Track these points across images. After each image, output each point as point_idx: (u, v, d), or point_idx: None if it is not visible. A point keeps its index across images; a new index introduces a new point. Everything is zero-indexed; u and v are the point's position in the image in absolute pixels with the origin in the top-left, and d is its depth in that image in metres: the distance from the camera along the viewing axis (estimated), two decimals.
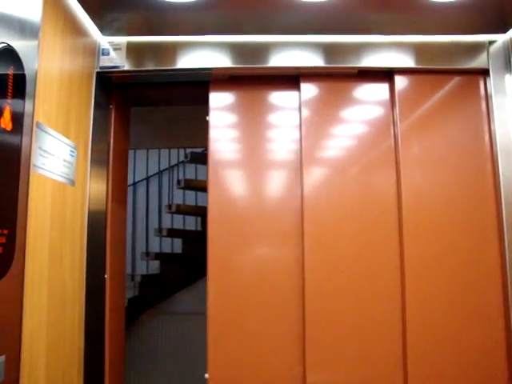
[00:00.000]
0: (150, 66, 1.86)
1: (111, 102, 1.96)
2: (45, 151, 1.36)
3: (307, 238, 1.83)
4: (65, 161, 1.51)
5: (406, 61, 1.88)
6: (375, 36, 1.87)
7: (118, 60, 1.82)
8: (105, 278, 1.84)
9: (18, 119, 1.12)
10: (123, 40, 1.84)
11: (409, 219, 1.81)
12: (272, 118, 1.96)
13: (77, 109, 1.62)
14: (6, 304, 1.06)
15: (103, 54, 1.82)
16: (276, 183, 1.96)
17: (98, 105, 1.81)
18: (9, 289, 1.07)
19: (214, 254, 1.84)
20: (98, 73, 1.81)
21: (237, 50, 1.86)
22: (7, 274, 1.06)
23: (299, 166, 1.88)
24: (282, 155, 1.94)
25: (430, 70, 1.90)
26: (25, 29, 1.17)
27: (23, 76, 1.15)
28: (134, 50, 1.85)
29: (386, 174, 1.86)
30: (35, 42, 1.23)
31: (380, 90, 1.93)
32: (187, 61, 1.85)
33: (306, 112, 1.92)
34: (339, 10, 1.68)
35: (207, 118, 1.94)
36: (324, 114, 1.92)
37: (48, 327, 1.35)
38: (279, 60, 1.86)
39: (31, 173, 1.23)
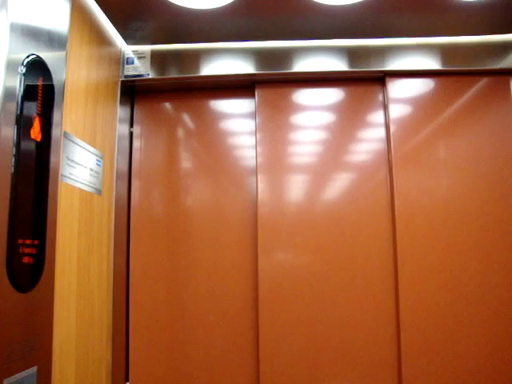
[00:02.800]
0: (173, 74, 1.86)
1: (136, 110, 1.97)
2: (72, 161, 1.36)
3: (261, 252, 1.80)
4: (91, 170, 1.51)
5: (430, 63, 1.84)
6: (400, 39, 1.85)
7: (142, 68, 1.83)
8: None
9: (46, 130, 1.12)
10: (147, 48, 1.85)
11: (403, 228, 1.77)
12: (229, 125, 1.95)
13: (103, 118, 1.63)
14: (37, 314, 1.06)
15: (128, 63, 1.83)
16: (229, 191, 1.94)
17: (123, 113, 1.82)
18: (40, 299, 1.07)
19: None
20: (122, 81, 1.82)
21: (261, 56, 1.86)
22: (38, 285, 1.06)
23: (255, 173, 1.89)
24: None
25: (457, 72, 1.87)
26: (53, 40, 1.18)
27: (52, 87, 1.15)
28: (157, 58, 1.85)
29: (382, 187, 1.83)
30: (63, 53, 1.23)
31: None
32: (211, 68, 1.85)
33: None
34: (364, 13, 1.66)
35: (131, 129, 1.94)
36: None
37: (77, 339, 1.35)
38: (304, 65, 1.85)
39: (59, 182, 1.24)
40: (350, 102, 1.93)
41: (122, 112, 1.81)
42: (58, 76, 1.18)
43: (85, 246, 1.44)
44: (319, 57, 1.86)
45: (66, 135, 1.31)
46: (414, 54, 1.85)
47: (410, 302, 1.72)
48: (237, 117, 1.98)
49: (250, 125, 1.94)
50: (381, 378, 1.73)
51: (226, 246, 1.86)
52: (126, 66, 1.83)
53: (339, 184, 1.87)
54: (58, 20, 1.23)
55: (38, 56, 1.09)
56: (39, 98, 1.09)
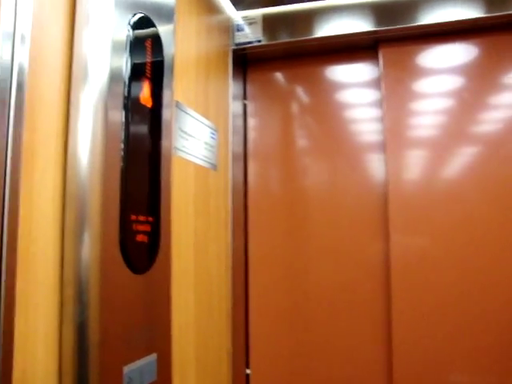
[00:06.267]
0: (286, 38, 1.70)
1: (248, 81, 1.85)
2: (185, 132, 1.27)
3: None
4: (206, 143, 1.42)
5: None
6: None
7: (253, 35, 1.70)
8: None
9: (157, 96, 1.03)
10: (258, 13, 1.71)
11: None
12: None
13: (215, 89, 1.53)
14: (155, 298, 0.98)
15: (238, 30, 1.71)
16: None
17: (235, 84, 1.71)
18: (157, 282, 0.98)
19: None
20: (233, 50, 1.70)
21: (382, 10, 1.64)
22: (154, 265, 0.97)
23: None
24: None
25: None
26: (161, 10, 1.08)
27: (161, 52, 1.06)
28: (269, 23, 1.71)
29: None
30: (171, 23, 1.12)
31: None
32: (327, 28, 1.67)
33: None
34: None
35: (244, 101, 1.79)
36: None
37: (196, 324, 1.27)
38: (434, 16, 1.59)
39: (172, 155, 1.15)
40: (492, 58, 1.63)
41: (234, 83, 1.70)
42: (167, 46, 1.08)
43: (202, 225, 1.35)
44: (450, 4, 1.59)
45: (177, 105, 1.22)
46: None
47: None
48: (358, 84, 1.77)
49: (373, 92, 1.73)
50: None
51: (349, 227, 1.68)
52: (236, 34, 1.71)
53: (482, 159, 1.59)
54: None
55: (145, 15, 1.00)
56: (148, 64, 0.99)
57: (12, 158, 0.73)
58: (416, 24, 1.61)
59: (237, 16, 1.72)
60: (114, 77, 0.89)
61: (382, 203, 1.64)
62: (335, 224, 1.70)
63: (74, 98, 0.86)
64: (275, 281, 1.72)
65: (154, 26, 1.03)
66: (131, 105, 0.93)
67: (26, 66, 0.77)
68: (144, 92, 0.97)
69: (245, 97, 1.82)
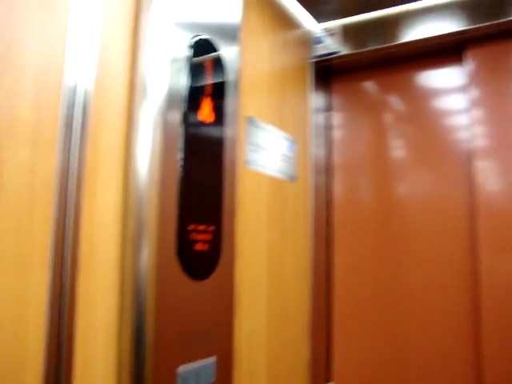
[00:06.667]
0: (368, 47, 1.67)
1: (329, 92, 1.84)
2: (258, 146, 1.31)
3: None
4: (283, 155, 1.45)
5: None
6: None
7: (333, 46, 1.70)
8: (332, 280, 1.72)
9: (219, 113, 1.08)
10: (337, 24, 1.71)
11: None
12: None
13: (292, 102, 1.55)
14: (215, 304, 1.02)
15: (317, 43, 1.72)
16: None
17: (315, 96, 1.72)
18: (217, 287, 1.03)
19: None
20: (313, 63, 1.71)
21: (470, 8, 1.54)
22: (215, 272, 1.02)
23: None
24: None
25: None
26: (226, 26, 1.14)
27: (223, 72, 1.11)
28: (350, 32, 1.70)
29: None
30: (236, 39, 1.18)
31: None
32: (412, 33, 1.61)
33: None
34: None
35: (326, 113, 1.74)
36: None
37: (268, 332, 1.29)
38: None
39: (243, 169, 1.20)
40: None
41: (316, 95, 1.71)
42: (231, 65, 1.13)
43: (276, 234, 1.37)
44: None
45: (249, 120, 1.26)
46: None
47: None
48: (445, 89, 1.67)
49: (461, 97, 1.63)
50: None
51: (440, 242, 1.58)
52: (315, 46, 1.72)
53: None
54: (231, 9, 1.18)
55: (206, 37, 1.06)
56: (209, 83, 1.05)
57: (76, 176, 0.82)
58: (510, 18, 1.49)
59: (315, 28, 1.73)
60: (172, 97, 0.96)
61: (470, 217, 1.54)
62: (426, 239, 1.61)
63: (134, 118, 0.95)
64: (361, 291, 1.67)
65: (214, 46, 1.08)
66: (190, 122, 0.99)
67: (90, 90, 0.87)
68: (204, 109, 1.03)
69: (329, 108, 1.82)
